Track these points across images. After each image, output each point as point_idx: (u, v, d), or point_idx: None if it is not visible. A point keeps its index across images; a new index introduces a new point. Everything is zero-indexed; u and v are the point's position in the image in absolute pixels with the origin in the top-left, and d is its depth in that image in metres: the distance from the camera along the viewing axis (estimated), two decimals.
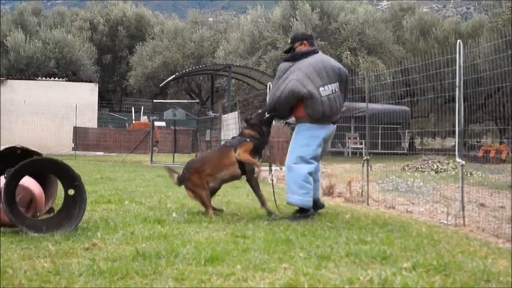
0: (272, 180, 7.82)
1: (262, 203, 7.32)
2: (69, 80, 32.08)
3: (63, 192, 6.31)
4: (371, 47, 30.53)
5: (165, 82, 31.86)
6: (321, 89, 7.03)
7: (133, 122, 35.07)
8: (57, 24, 40.06)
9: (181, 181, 7.46)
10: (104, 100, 38.71)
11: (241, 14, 40.75)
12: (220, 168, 7.34)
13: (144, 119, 35.05)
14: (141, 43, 40.94)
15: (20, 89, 28.50)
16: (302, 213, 7.02)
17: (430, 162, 15.56)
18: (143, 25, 45.49)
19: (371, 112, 10.35)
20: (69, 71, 36.63)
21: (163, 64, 38.06)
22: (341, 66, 7.59)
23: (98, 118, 31.37)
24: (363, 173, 9.46)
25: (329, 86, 7.11)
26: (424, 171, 14.79)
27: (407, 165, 15.87)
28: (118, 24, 44.94)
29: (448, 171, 14.44)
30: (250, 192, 7.38)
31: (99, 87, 31.96)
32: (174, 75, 30.49)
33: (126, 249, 4.92)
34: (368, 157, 9.40)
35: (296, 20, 29.27)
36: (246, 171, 7.28)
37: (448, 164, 15.13)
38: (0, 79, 26.97)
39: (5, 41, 33.60)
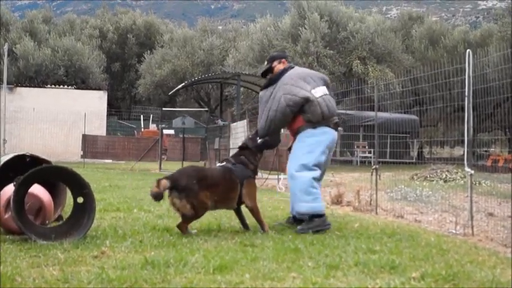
0: (280, 189, 7.68)
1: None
2: (78, 88, 32.20)
3: (72, 200, 6.33)
4: (380, 56, 30.53)
5: (174, 90, 31.89)
6: (313, 91, 6.93)
7: (142, 129, 35.13)
8: (66, 32, 40.21)
9: (180, 189, 6.24)
10: (112, 108, 38.75)
11: (251, 23, 40.82)
12: (225, 202, 6.62)
13: (152, 127, 35.11)
14: (150, 51, 41.02)
15: (29, 97, 28.62)
16: (319, 217, 6.67)
17: (438, 171, 15.54)
18: (152, 33, 45.58)
19: (380, 121, 10.36)
20: (78, 79, 36.72)
21: (173, 72, 38.12)
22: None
23: (107, 126, 31.44)
24: (372, 182, 9.46)
25: (318, 88, 7.02)
26: (433, 180, 14.76)
27: (416, 174, 15.85)
28: (127, 32, 45.06)
29: (457, 181, 14.40)
30: (259, 201, 7.19)
31: (108, 95, 32.04)
32: (183, 84, 30.50)
33: (135, 257, 4.93)
34: (377, 166, 9.39)
35: (305, 28, 29.30)
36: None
37: (457, 173, 15.09)
38: (9, 86, 27.02)
39: (14, 49, 33.74)
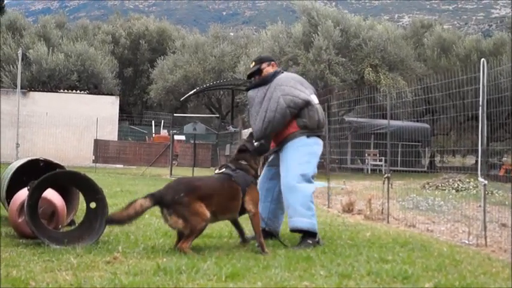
0: None
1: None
2: (90, 93, 32.28)
3: (84, 205, 6.35)
4: (392, 63, 30.49)
5: (185, 96, 31.96)
6: (312, 96, 6.62)
7: (153, 135, 35.22)
8: (79, 37, 40.38)
9: (166, 204, 5.74)
10: (124, 113, 38.83)
11: (262, 29, 40.82)
12: (228, 211, 6.12)
13: (164, 132, 35.18)
14: (162, 57, 41.13)
15: (41, 101, 28.71)
16: (312, 237, 6.24)
17: (450, 180, 15.45)
18: (165, 39, 45.79)
19: (391, 129, 10.33)
20: (90, 84, 36.83)
21: (184, 78, 38.19)
22: None
23: (118, 131, 31.50)
24: (383, 191, 9.43)
25: (314, 95, 6.69)
26: (445, 190, 14.68)
27: (428, 183, 15.78)
28: (140, 37, 45.32)
29: (469, 190, 14.32)
30: None
31: (120, 100, 32.12)
32: (194, 90, 30.60)
33: (147, 263, 4.93)
34: (389, 175, 9.36)
35: (317, 35, 29.30)
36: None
37: (469, 182, 15.00)
38: (22, 91, 27.14)
39: (27, 54, 33.89)
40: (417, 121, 24.99)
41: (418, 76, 28.73)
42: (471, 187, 14.49)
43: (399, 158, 19.81)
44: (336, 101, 19.83)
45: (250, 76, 7.02)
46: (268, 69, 6.80)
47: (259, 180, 6.77)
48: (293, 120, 6.49)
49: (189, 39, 42.09)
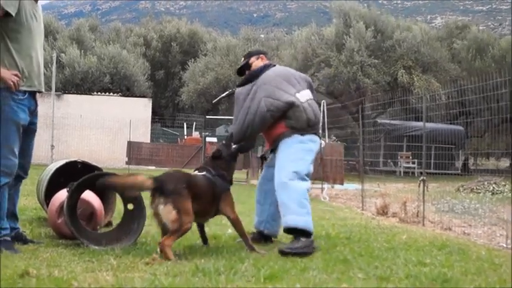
0: (324, 198, 7.46)
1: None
2: (123, 95, 32.58)
3: (121, 207, 6.42)
4: (426, 65, 30.27)
5: (217, 99, 31.90)
6: (298, 95, 6.18)
7: (185, 137, 35.37)
8: (112, 40, 40.78)
9: (166, 192, 5.37)
10: (156, 115, 39.08)
11: (293, 31, 40.77)
12: (207, 214, 5.91)
13: (195, 134, 35.30)
14: (193, 59, 41.30)
15: (75, 103, 29.08)
16: (306, 237, 5.90)
17: (486, 183, 15.30)
18: (196, 41, 45.95)
19: (425, 131, 10.27)
20: (123, 86, 37.12)
21: (216, 80, 38.27)
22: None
23: (151, 133, 31.76)
24: (419, 193, 9.37)
25: (304, 91, 6.28)
26: (480, 193, 14.55)
27: (462, 186, 15.65)
28: (171, 40, 45.54)
29: (505, 193, 14.17)
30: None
31: (152, 103, 32.38)
32: (226, 92, 30.47)
33: (186, 264, 4.95)
34: (424, 177, 9.30)
35: (349, 37, 29.21)
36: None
37: (505, 185, 14.85)
38: (56, 93, 27.43)
39: (59, 58, 34.25)
40: (451, 123, 24.79)
41: (452, 78, 28.48)
42: (507, 190, 14.34)
43: (432, 161, 19.65)
44: (369, 103, 19.77)
45: (240, 72, 6.78)
46: (257, 63, 6.54)
47: (258, 182, 6.77)
48: (282, 120, 6.16)
49: (220, 42, 42.15)
